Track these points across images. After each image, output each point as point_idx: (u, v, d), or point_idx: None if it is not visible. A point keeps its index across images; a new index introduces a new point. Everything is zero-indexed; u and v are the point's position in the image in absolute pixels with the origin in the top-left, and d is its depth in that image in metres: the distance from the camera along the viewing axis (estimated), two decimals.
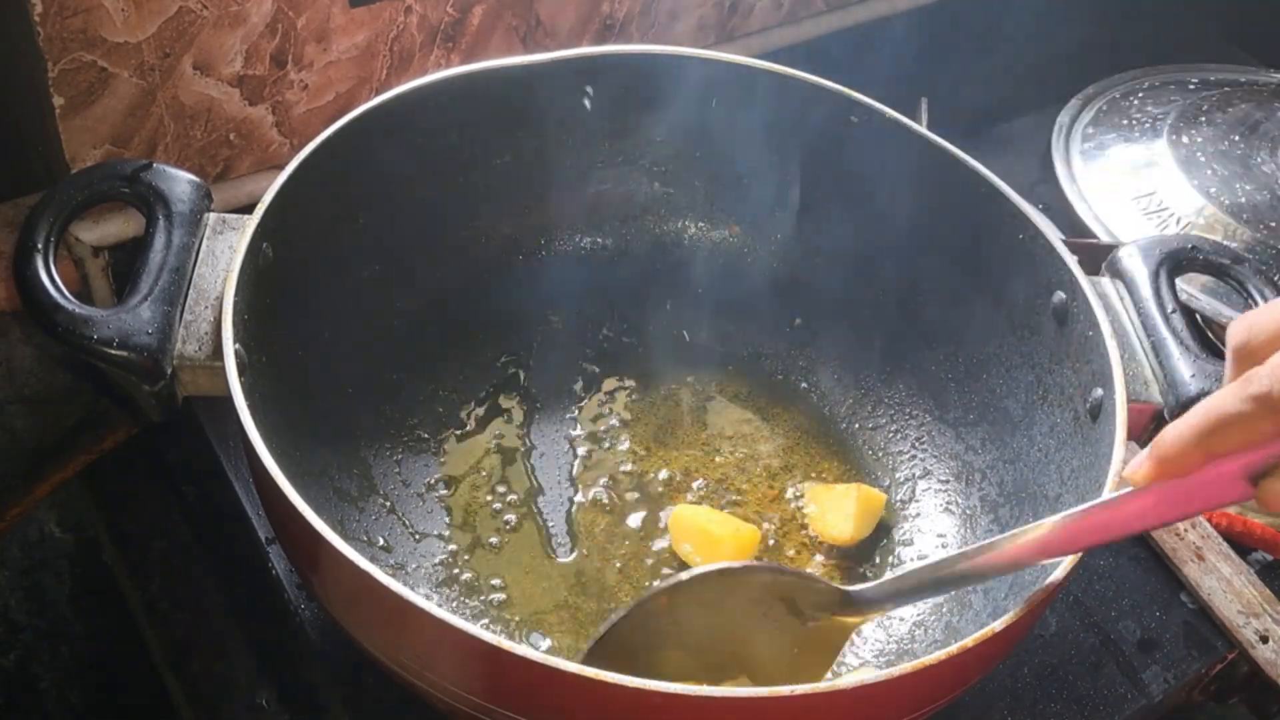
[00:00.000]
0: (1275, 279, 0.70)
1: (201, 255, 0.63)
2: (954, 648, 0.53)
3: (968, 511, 0.75)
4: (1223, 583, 0.78)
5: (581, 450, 0.79)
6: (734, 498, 0.78)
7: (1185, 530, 0.80)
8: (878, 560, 0.76)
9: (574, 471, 0.78)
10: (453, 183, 0.79)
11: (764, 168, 0.83)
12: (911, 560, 0.75)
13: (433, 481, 0.76)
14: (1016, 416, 0.74)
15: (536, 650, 0.54)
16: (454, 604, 0.71)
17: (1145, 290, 0.69)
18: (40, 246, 0.59)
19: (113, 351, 0.58)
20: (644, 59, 0.79)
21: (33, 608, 0.96)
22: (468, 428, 0.79)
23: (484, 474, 0.77)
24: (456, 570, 0.72)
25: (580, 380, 0.83)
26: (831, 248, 0.84)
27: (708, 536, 0.73)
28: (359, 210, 0.74)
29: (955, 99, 1.07)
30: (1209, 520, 0.81)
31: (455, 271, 0.81)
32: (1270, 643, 0.75)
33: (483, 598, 0.71)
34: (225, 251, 0.64)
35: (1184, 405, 0.65)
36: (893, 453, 0.80)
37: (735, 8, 1.00)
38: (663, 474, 0.79)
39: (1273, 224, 0.95)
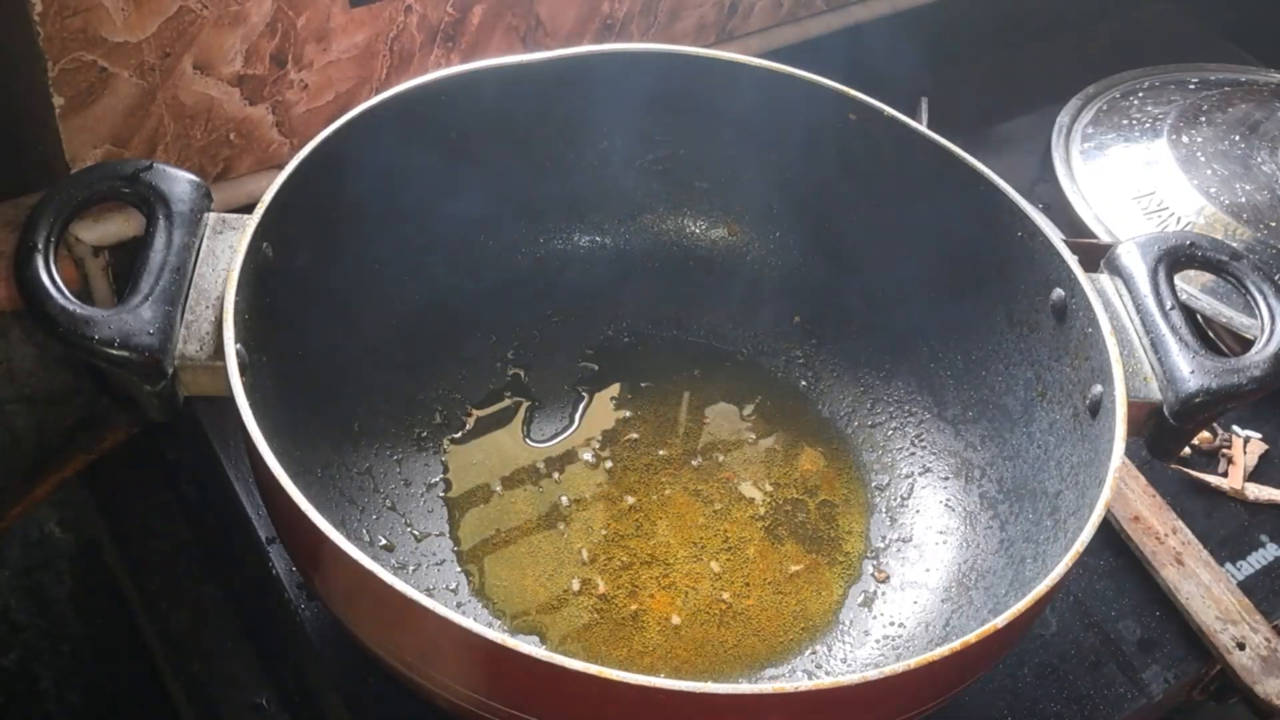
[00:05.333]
0: (1275, 277, 0.70)
1: (202, 255, 0.63)
2: (957, 644, 0.53)
3: (968, 508, 0.76)
4: (1201, 588, 0.78)
5: (581, 449, 0.79)
6: (734, 496, 0.78)
7: (1166, 535, 0.80)
8: (881, 557, 0.76)
9: (575, 470, 0.78)
10: (452, 182, 0.79)
11: (763, 166, 0.83)
12: (911, 559, 0.75)
13: (434, 481, 0.76)
14: (1016, 413, 0.74)
15: (539, 648, 0.54)
16: (456, 602, 0.71)
17: (1144, 287, 0.69)
18: (40, 246, 0.59)
19: (114, 352, 0.58)
20: (644, 58, 0.79)
21: (33, 608, 0.96)
22: (468, 427, 0.79)
23: (485, 473, 0.77)
24: (458, 569, 0.72)
25: (580, 379, 0.83)
26: (830, 246, 0.84)
27: None
28: (359, 210, 0.74)
29: (955, 99, 1.07)
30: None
31: (455, 271, 0.81)
32: (1247, 650, 0.75)
33: (485, 596, 0.71)
34: (226, 251, 0.64)
35: (1183, 401, 0.65)
36: (892, 450, 0.80)
37: (735, 7, 1.00)
38: (662, 472, 0.79)
39: (1273, 224, 0.95)
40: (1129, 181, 0.99)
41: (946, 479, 0.78)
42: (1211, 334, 0.90)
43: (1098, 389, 0.67)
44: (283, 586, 0.73)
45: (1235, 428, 0.89)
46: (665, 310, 0.87)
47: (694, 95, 0.80)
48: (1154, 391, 0.67)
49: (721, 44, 1.01)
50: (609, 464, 0.79)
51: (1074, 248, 0.72)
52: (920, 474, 0.79)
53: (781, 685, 0.51)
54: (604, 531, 0.75)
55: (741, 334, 0.86)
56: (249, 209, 0.65)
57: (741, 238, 0.87)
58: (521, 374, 0.83)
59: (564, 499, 0.77)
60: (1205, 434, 0.88)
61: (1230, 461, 0.87)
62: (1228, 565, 0.80)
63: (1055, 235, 0.72)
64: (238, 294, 0.61)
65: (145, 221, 0.63)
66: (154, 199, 0.63)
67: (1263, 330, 0.68)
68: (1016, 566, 0.69)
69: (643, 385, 0.83)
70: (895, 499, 0.78)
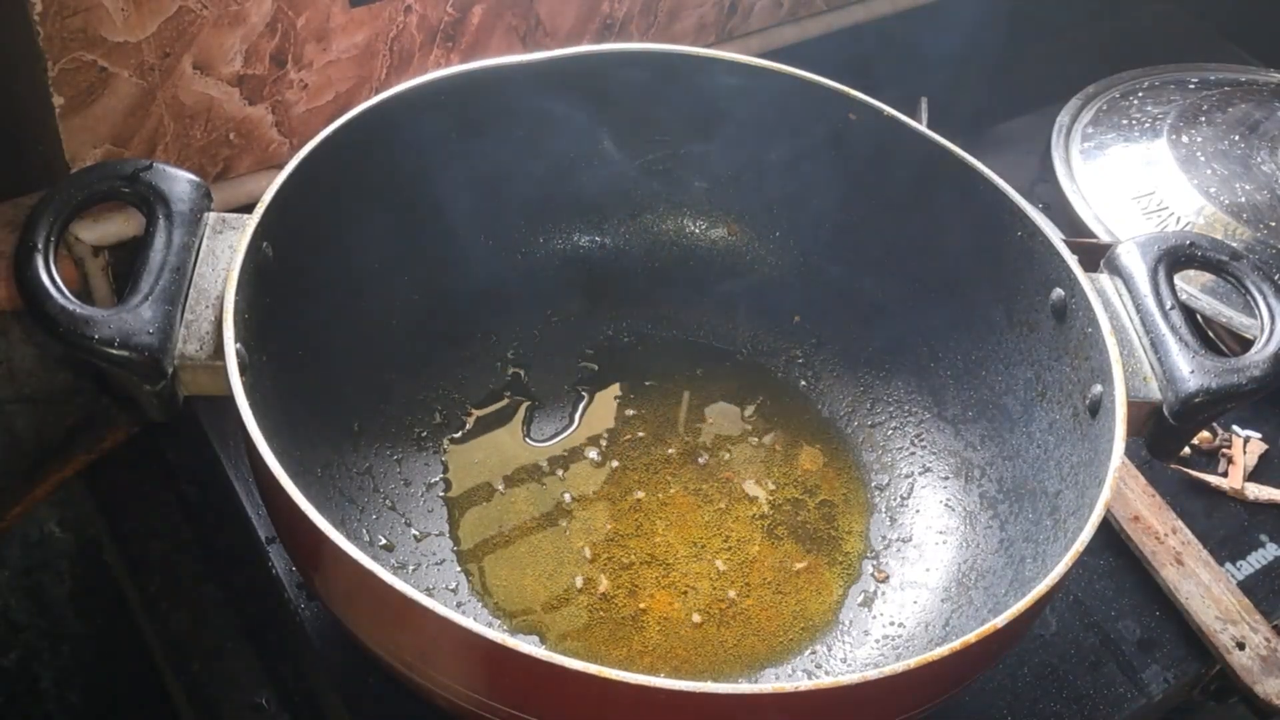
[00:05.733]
0: (1275, 277, 0.70)
1: (202, 255, 0.63)
2: (957, 644, 0.53)
3: (967, 508, 0.76)
4: (1201, 588, 0.78)
5: (582, 449, 0.79)
6: (735, 496, 0.78)
7: (1166, 535, 0.80)
8: (881, 557, 0.76)
9: (575, 470, 0.78)
10: (452, 182, 0.79)
11: (763, 166, 0.83)
12: (911, 559, 0.75)
13: (434, 481, 0.76)
14: (1015, 413, 0.74)
15: (539, 648, 0.54)
16: (456, 602, 0.71)
17: (1144, 286, 0.69)
18: (40, 246, 0.59)
19: (113, 351, 0.58)
20: (644, 58, 0.79)
21: (33, 607, 0.96)
22: (468, 427, 0.79)
23: (484, 473, 0.77)
24: (458, 569, 0.72)
25: (580, 379, 0.83)
26: (830, 246, 0.84)
27: None
28: (359, 209, 0.74)
29: (955, 99, 1.07)
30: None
31: (455, 270, 0.81)
32: (1247, 650, 0.75)
33: (485, 596, 0.71)
34: (225, 251, 0.64)
35: (1183, 401, 0.65)
36: (892, 450, 0.80)
37: (735, 7, 1.00)
38: (663, 472, 0.79)
39: (1272, 223, 0.95)
40: (1129, 181, 0.99)
41: (946, 479, 0.78)
42: (1211, 334, 0.90)
43: (1097, 389, 0.67)
44: (283, 586, 0.73)
45: (1235, 428, 0.89)
46: (665, 310, 0.87)
47: (694, 95, 0.80)
48: (1154, 391, 0.67)
49: (721, 44, 1.01)
50: (609, 464, 0.79)
51: (1074, 247, 0.72)
52: (920, 474, 0.79)
53: (781, 685, 0.51)
54: (604, 531, 0.75)
55: (741, 334, 0.86)
56: (249, 209, 0.65)
57: (741, 238, 0.87)
58: (521, 374, 0.83)
59: (564, 499, 0.77)
60: (1205, 434, 0.88)
61: (1230, 461, 0.87)
62: (1228, 565, 0.80)
63: (1055, 235, 0.72)
64: (238, 294, 0.61)
65: (145, 221, 0.63)
66: (154, 199, 0.63)
67: (1263, 330, 0.68)
68: (1016, 566, 0.69)
69: (643, 385, 0.83)
70: (895, 499, 0.78)
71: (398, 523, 0.73)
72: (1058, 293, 0.71)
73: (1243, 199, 0.96)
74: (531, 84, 0.77)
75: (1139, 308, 0.69)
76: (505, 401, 0.81)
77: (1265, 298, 0.68)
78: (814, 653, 0.71)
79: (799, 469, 0.80)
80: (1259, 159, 0.99)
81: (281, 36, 0.78)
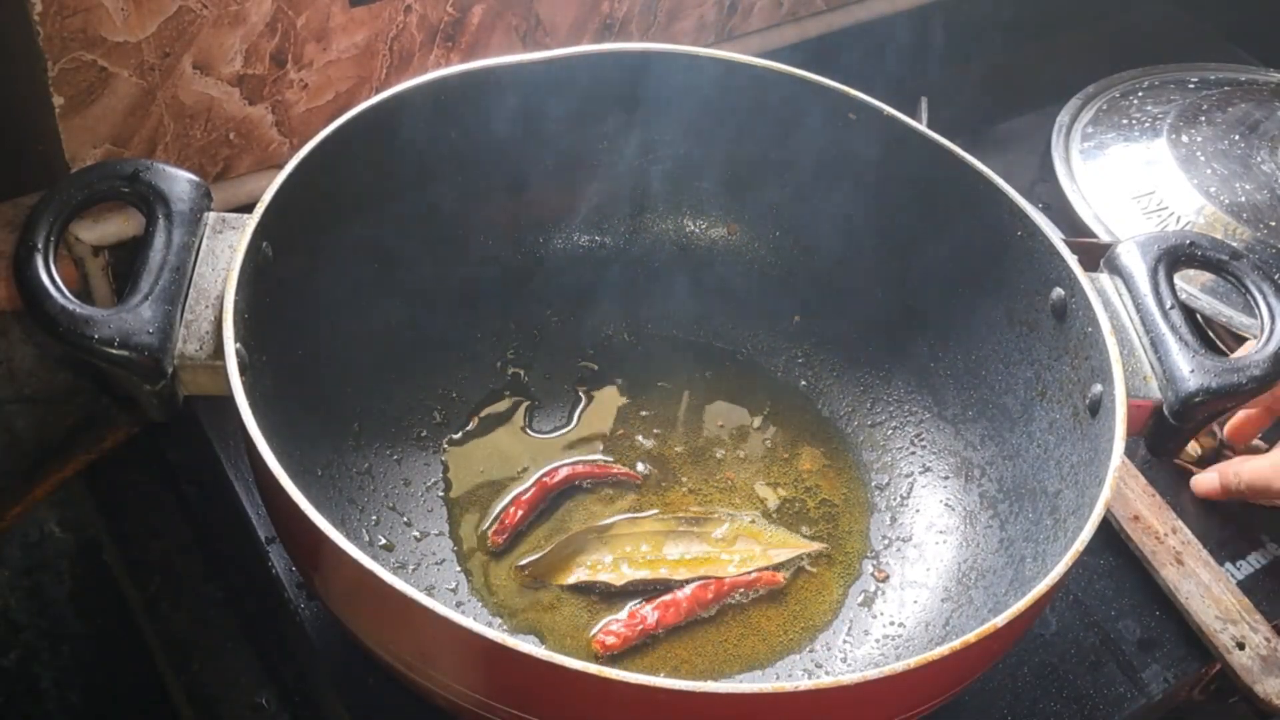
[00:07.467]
0: (1275, 277, 0.70)
1: (201, 254, 0.63)
2: (957, 643, 0.53)
3: (967, 507, 0.76)
4: (1201, 588, 0.78)
5: (582, 448, 0.79)
6: (733, 497, 0.78)
7: (1166, 535, 0.80)
8: (881, 557, 0.76)
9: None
10: (452, 182, 0.79)
11: (762, 166, 0.83)
12: (910, 559, 0.75)
13: (434, 481, 0.76)
14: (1015, 413, 0.74)
15: (539, 648, 0.54)
16: (456, 602, 0.71)
17: (1144, 286, 0.69)
18: (40, 246, 0.59)
19: (113, 351, 0.58)
20: (644, 58, 0.79)
21: (33, 608, 0.96)
22: (468, 427, 0.79)
23: (484, 473, 0.77)
24: (458, 569, 0.72)
25: (580, 379, 0.83)
26: (830, 246, 0.84)
27: None
28: (359, 209, 0.74)
29: (955, 99, 1.07)
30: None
31: (454, 270, 0.81)
32: (1247, 649, 0.75)
33: (485, 596, 0.71)
34: (225, 251, 0.64)
35: (1183, 401, 0.65)
36: (892, 449, 0.80)
37: (735, 7, 1.00)
38: (662, 472, 0.79)
39: (1272, 223, 0.95)
40: (1129, 181, 0.99)
41: (946, 478, 0.78)
42: (1211, 334, 0.90)
43: (1097, 388, 0.67)
44: (283, 586, 0.73)
45: None
46: (665, 310, 0.87)
47: (694, 95, 0.80)
48: (1154, 391, 0.67)
49: (721, 44, 1.01)
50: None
51: (1074, 247, 0.72)
52: (920, 473, 0.79)
53: (781, 685, 0.51)
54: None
55: (741, 334, 0.86)
56: (249, 208, 0.65)
57: (741, 238, 0.87)
58: (521, 374, 0.83)
59: (563, 497, 0.76)
60: (1206, 438, 0.88)
61: None
62: (1227, 565, 0.80)
63: (1055, 235, 0.72)
64: (237, 293, 0.61)
65: (145, 221, 0.63)
66: (154, 198, 0.63)
67: (1262, 330, 0.68)
68: (1016, 566, 0.69)
69: (642, 385, 0.83)
70: (895, 498, 0.78)
71: (398, 523, 0.73)
72: (1058, 292, 0.71)
73: (1243, 199, 0.96)
74: (531, 84, 0.77)
75: (1139, 307, 0.69)
76: (505, 401, 0.81)
77: (1265, 297, 0.69)
78: (814, 652, 0.71)
79: (799, 469, 0.80)
80: (1259, 159, 1.00)
81: (281, 36, 0.78)
